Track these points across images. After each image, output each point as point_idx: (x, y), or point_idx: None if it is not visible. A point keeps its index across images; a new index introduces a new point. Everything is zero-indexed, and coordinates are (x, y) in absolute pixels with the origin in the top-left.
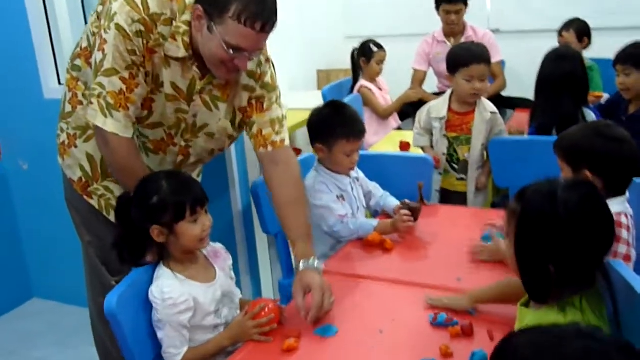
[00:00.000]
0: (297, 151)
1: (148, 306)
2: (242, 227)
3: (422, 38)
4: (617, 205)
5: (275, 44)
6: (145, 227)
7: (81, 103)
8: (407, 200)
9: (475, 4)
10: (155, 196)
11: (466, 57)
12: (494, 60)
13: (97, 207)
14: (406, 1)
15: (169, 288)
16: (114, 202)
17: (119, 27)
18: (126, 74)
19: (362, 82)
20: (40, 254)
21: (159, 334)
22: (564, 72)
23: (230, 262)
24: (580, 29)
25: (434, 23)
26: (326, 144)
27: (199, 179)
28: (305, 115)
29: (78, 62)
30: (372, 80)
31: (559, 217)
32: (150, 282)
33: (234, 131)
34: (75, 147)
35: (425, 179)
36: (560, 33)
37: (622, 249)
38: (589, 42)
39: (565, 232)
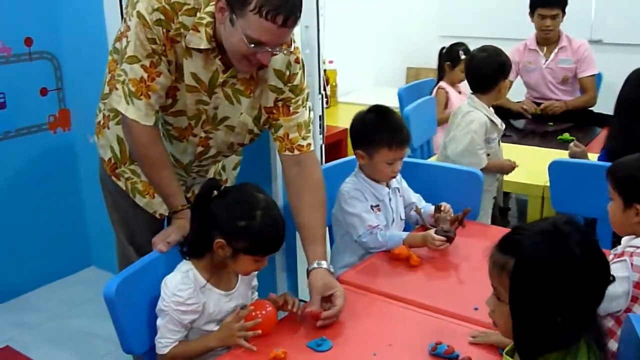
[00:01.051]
0: None
1: (151, 297)
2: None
3: (517, 44)
4: None
5: (366, 38)
6: (212, 233)
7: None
8: (444, 211)
9: (578, 12)
10: (244, 221)
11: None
12: (586, 73)
13: (124, 188)
14: (504, 4)
15: (184, 286)
16: (139, 186)
17: (139, 15)
18: (147, 62)
19: (442, 83)
20: (101, 225)
21: (159, 321)
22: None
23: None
24: None
25: (532, 29)
26: (367, 151)
27: (236, 172)
28: None
29: (118, 45)
30: (453, 84)
31: (576, 258)
32: (156, 274)
33: (254, 127)
34: (108, 128)
35: (473, 194)
36: None
37: None
38: None
39: (583, 273)
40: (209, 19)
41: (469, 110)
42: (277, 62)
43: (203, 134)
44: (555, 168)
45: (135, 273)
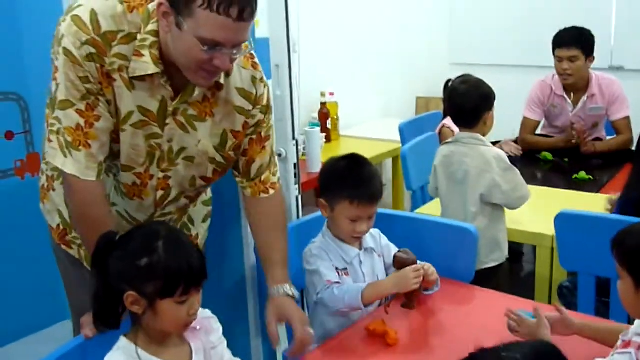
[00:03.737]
0: None
1: None
2: (255, 284)
3: (537, 71)
4: None
5: (372, 66)
6: (120, 289)
7: None
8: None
9: (596, 37)
10: (146, 257)
11: None
12: (619, 115)
13: (77, 256)
14: (516, 30)
15: (130, 359)
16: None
17: (66, 52)
18: (82, 106)
19: (447, 120)
20: None
21: None
22: None
23: (218, 335)
24: None
25: (549, 55)
26: (329, 200)
27: (207, 224)
28: (387, 148)
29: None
30: None
31: None
32: None
33: (216, 154)
34: (53, 190)
35: (467, 253)
36: None
37: None
38: None
39: None
40: (152, 38)
41: (496, 155)
42: (236, 80)
43: (161, 174)
44: (562, 220)
45: None
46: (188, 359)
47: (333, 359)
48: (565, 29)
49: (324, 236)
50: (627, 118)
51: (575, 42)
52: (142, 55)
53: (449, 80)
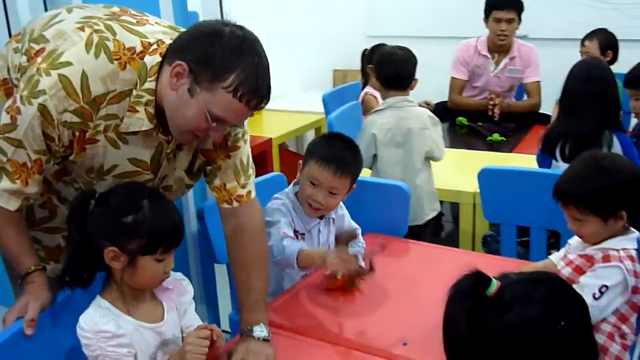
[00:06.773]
0: (300, 157)
1: None
2: (197, 251)
3: (451, 42)
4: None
5: (290, 39)
6: (99, 244)
7: None
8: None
9: None
10: (131, 215)
11: None
12: (531, 79)
13: None
14: (431, 3)
15: (105, 319)
16: (42, 253)
17: (43, 110)
18: (34, 156)
19: (368, 89)
20: None
21: None
22: (588, 88)
23: (189, 296)
24: (604, 41)
25: (467, 27)
26: (305, 161)
27: None
28: (310, 119)
29: None
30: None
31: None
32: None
33: (191, 180)
34: None
35: (400, 209)
36: (582, 42)
37: None
38: (615, 57)
39: None
40: (148, 97)
41: (427, 112)
42: None
43: None
44: (484, 176)
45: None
46: (161, 317)
47: (283, 311)
48: None
49: (287, 197)
50: (538, 83)
51: (513, 5)
52: (137, 111)
53: (365, 50)
